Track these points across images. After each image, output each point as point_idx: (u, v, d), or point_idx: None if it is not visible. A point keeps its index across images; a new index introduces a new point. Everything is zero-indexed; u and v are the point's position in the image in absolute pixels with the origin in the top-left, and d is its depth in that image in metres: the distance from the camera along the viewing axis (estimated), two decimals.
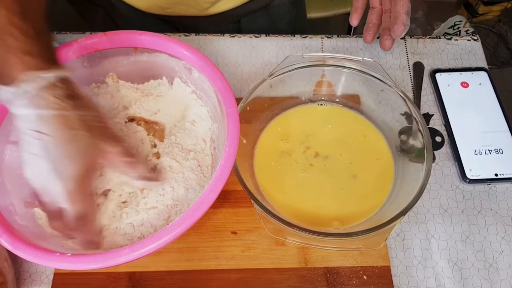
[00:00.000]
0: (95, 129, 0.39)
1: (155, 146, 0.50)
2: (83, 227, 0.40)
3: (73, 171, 0.38)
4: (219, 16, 0.69)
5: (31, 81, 0.35)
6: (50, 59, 0.37)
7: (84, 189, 0.40)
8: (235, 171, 0.45)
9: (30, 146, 0.37)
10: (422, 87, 0.61)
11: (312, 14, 1.14)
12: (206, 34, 0.65)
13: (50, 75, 0.36)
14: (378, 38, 0.62)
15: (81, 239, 0.41)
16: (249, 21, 0.73)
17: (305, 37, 0.65)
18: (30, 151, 0.37)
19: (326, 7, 1.15)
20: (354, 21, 0.61)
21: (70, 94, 0.37)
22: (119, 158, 0.41)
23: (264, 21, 0.74)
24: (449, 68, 0.62)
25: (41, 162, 0.37)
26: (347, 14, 1.18)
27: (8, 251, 0.41)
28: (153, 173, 0.45)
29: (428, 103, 0.60)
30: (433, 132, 0.57)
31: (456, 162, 0.55)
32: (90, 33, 0.54)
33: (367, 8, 0.62)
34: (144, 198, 0.46)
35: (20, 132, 0.37)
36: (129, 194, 0.46)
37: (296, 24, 0.80)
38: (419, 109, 0.59)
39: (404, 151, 0.52)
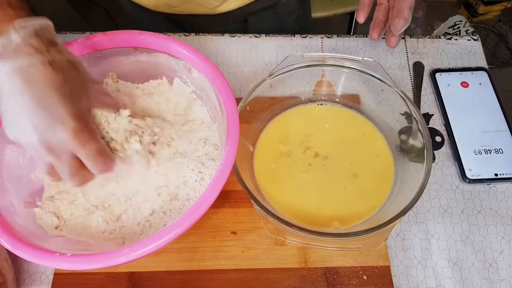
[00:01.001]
0: (81, 68, 0.40)
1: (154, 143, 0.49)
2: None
3: (74, 109, 0.38)
4: (227, 15, 0.69)
5: (19, 30, 0.35)
6: (28, 10, 0.38)
7: (88, 124, 0.40)
8: (235, 171, 0.45)
9: (16, 102, 0.36)
10: (422, 87, 0.61)
11: (313, 14, 1.14)
12: (206, 34, 0.65)
13: (35, 22, 0.37)
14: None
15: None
16: (256, 20, 0.73)
17: (305, 37, 0.65)
18: (16, 108, 0.36)
19: (326, 7, 1.15)
20: (361, 18, 0.60)
21: (53, 40, 0.38)
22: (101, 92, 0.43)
23: (271, 20, 0.74)
24: (449, 68, 0.62)
25: (39, 111, 0.36)
26: (347, 14, 1.18)
27: (8, 251, 0.41)
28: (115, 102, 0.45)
29: (428, 103, 0.60)
30: (433, 132, 0.57)
31: (456, 162, 0.55)
32: (90, 33, 0.54)
33: (373, 6, 0.61)
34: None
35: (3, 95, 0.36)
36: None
37: (302, 23, 0.79)
38: (419, 109, 0.59)
39: (404, 151, 0.52)
